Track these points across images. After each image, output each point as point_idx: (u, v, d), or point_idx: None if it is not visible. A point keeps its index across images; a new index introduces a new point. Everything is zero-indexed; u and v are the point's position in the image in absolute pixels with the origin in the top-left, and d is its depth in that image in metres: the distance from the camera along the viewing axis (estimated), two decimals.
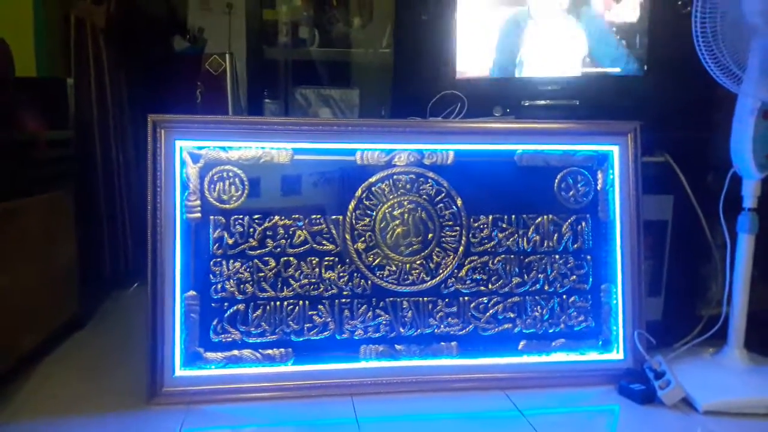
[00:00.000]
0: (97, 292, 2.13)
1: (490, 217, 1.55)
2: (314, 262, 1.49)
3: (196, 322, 1.45)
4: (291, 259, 1.49)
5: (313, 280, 1.49)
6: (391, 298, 1.52)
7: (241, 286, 1.47)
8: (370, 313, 1.51)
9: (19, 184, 1.55)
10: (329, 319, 1.50)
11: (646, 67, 1.72)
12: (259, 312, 1.48)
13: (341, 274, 1.50)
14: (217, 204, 1.46)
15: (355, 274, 1.51)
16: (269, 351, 1.47)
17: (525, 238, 1.57)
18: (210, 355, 1.45)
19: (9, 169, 1.50)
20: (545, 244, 1.58)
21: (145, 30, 2.57)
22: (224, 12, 2.84)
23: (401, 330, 1.52)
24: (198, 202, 1.45)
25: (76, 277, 1.90)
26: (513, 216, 1.56)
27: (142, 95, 2.38)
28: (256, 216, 1.47)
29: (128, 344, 1.76)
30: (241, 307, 1.47)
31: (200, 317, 1.45)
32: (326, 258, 1.50)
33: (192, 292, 1.45)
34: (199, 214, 1.45)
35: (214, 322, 1.46)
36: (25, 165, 1.58)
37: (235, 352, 1.46)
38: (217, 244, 1.46)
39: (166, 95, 2.43)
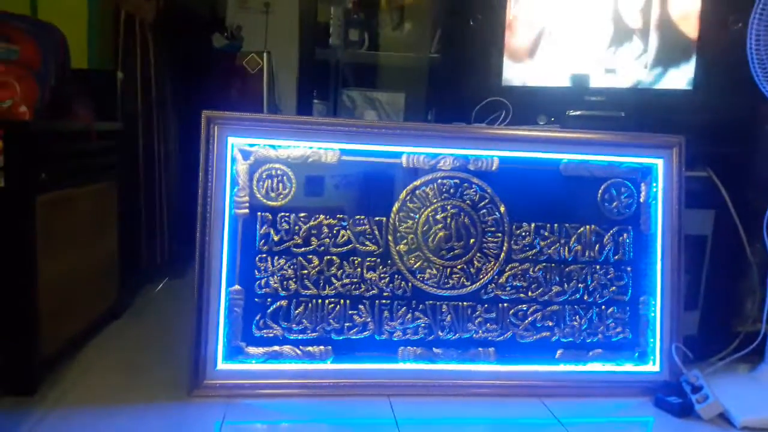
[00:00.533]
0: (133, 284, 2.17)
1: (533, 225, 1.57)
2: (356, 262, 1.51)
3: (240, 317, 1.48)
4: (334, 258, 1.51)
5: (355, 280, 1.51)
6: (431, 302, 1.54)
7: (285, 282, 1.49)
8: (409, 315, 1.53)
9: (73, 173, 1.59)
10: (369, 319, 1.52)
11: (693, 82, 1.72)
12: (300, 309, 1.50)
13: (382, 275, 1.52)
14: (265, 201, 1.49)
15: (396, 276, 1.53)
16: (309, 348, 1.50)
17: (566, 248, 1.58)
18: (252, 349, 1.48)
19: (66, 158, 1.54)
20: (586, 254, 1.59)
21: (188, 26, 2.62)
22: (261, 11, 2.88)
23: (440, 333, 1.54)
24: (246, 199, 1.48)
25: (117, 267, 1.94)
26: (555, 225, 1.57)
27: (183, 90, 2.43)
28: (302, 214, 1.50)
29: (164, 337, 1.80)
30: (283, 303, 1.50)
31: (243, 312, 1.48)
32: (368, 258, 1.52)
33: (237, 287, 1.48)
34: (247, 210, 1.48)
35: (257, 318, 1.49)
36: (79, 154, 1.62)
37: (276, 347, 1.49)
38: (263, 240, 1.48)
39: (204, 91, 2.47)
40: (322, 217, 1.51)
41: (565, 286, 1.58)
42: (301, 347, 1.50)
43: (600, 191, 1.59)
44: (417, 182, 1.53)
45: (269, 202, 1.49)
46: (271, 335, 1.49)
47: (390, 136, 1.53)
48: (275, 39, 2.79)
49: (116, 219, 1.90)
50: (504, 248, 1.56)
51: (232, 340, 1.48)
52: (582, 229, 1.58)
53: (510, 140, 1.57)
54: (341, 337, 1.51)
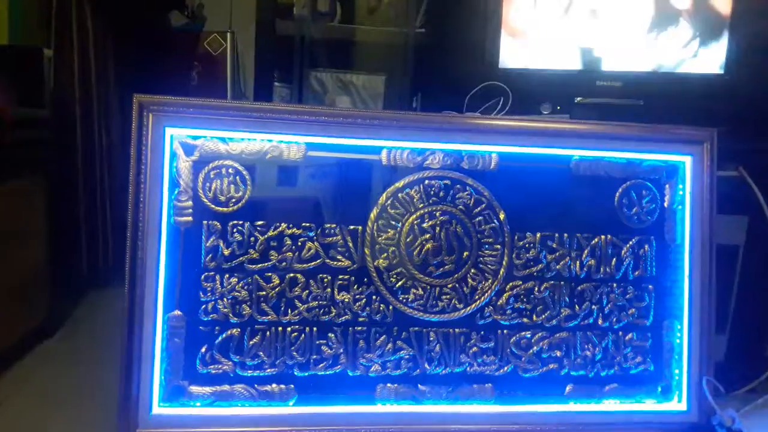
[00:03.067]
0: (71, 293, 1.92)
1: (538, 235, 1.34)
2: (326, 280, 1.28)
3: (181, 349, 1.24)
4: (298, 276, 1.27)
5: (324, 303, 1.28)
6: (416, 328, 1.31)
7: (237, 306, 1.25)
8: (389, 345, 1.30)
9: None
10: (341, 351, 1.28)
11: (725, 66, 1.50)
12: (257, 339, 1.26)
13: (357, 296, 1.29)
14: (213, 206, 1.25)
15: (374, 297, 1.29)
16: (267, 387, 1.26)
17: (578, 262, 1.35)
18: (196, 389, 1.24)
19: None
20: (601, 270, 1.36)
21: (140, 2, 2.35)
22: None
23: (426, 367, 1.31)
24: (190, 203, 1.24)
25: (45, 278, 1.69)
26: (565, 235, 1.35)
27: (132, 73, 2.16)
28: (259, 223, 1.26)
29: (103, 357, 1.56)
30: (235, 332, 1.26)
31: (186, 343, 1.24)
32: (340, 276, 1.28)
33: (177, 312, 1.24)
34: (190, 218, 1.24)
35: (203, 350, 1.25)
36: None
37: (227, 387, 1.25)
38: (210, 255, 1.24)
39: (158, 75, 2.21)
40: (283, 226, 1.27)
41: (576, 308, 1.36)
42: (256, 386, 1.26)
43: (617, 194, 1.37)
44: (399, 183, 1.30)
45: (218, 208, 1.25)
46: (220, 371, 1.25)
47: (367, 128, 1.29)
48: (241, 18, 2.53)
49: (44, 222, 1.64)
50: (504, 263, 1.33)
51: (171, 378, 1.23)
52: (596, 239, 1.36)
53: (511, 133, 1.33)
54: (306, 373, 1.27)
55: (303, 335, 1.28)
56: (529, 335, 1.34)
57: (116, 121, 2.05)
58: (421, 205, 1.31)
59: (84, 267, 1.99)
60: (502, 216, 1.33)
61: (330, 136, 1.27)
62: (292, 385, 1.26)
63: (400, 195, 1.30)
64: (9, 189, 1.44)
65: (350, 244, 1.28)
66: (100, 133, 1.97)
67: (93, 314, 1.89)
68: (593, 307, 1.36)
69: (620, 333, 1.37)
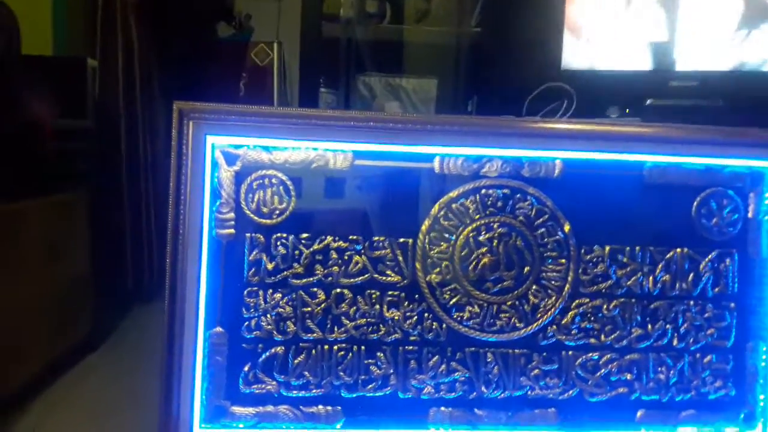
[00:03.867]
0: (115, 307, 1.91)
1: (607, 249, 1.24)
2: (374, 296, 1.21)
3: (223, 368, 1.19)
4: (345, 291, 1.21)
5: (372, 320, 1.22)
6: (472, 348, 1.23)
7: (281, 323, 1.20)
8: (443, 367, 1.22)
9: (17, 182, 1.30)
10: (390, 372, 1.21)
11: None
12: (302, 357, 1.20)
13: (408, 313, 1.22)
14: (256, 218, 1.20)
15: (426, 315, 1.22)
16: (313, 408, 1.20)
17: (651, 278, 1.25)
18: (238, 410, 1.19)
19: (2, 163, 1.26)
20: (677, 287, 1.26)
21: (184, 12, 2.35)
22: None
23: (483, 390, 1.23)
24: (232, 215, 1.19)
25: (89, 291, 1.67)
26: (637, 248, 1.25)
27: (178, 85, 2.15)
28: (304, 235, 1.20)
29: (147, 371, 1.51)
30: (279, 350, 1.20)
31: (228, 361, 1.19)
32: (389, 292, 1.22)
33: (219, 329, 1.19)
34: (232, 230, 1.19)
35: (245, 369, 1.20)
36: (25, 159, 1.34)
37: (270, 407, 1.20)
38: (253, 269, 1.19)
39: (206, 86, 2.19)
40: (329, 239, 1.21)
41: (649, 328, 1.26)
42: (302, 407, 1.20)
43: (695, 204, 1.27)
44: (453, 193, 1.22)
45: (261, 220, 1.20)
46: (264, 391, 1.20)
47: (418, 134, 1.22)
48: (288, 28, 2.51)
49: (88, 235, 1.63)
50: (569, 279, 1.24)
51: (212, 397, 1.19)
52: (671, 253, 1.26)
53: (576, 137, 1.25)
54: (354, 395, 1.21)
55: (350, 354, 1.21)
56: (596, 357, 1.25)
57: (161, 132, 2.04)
58: (477, 216, 1.23)
59: (129, 281, 1.98)
60: (566, 228, 1.24)
61: (378, 143, 1.21)
62: (339, 407, 1.20)
63: (453, 206, 1.23)
64: (52, 201, 1.43)
65: (400, 258, 1.22)
66: (145, 144, 1.96)
67: (138, 329, 1.88)
68: (668, 326, 1.26)
69: (698, 355, 1.27)
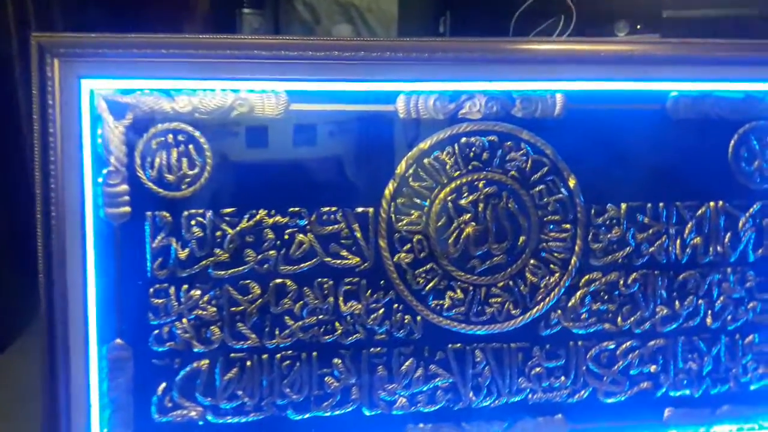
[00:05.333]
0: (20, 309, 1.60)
1: (623, 207, 1.00)
2: (327, 286, 0.95)
3: (128, 391, 0.93)
4: (287, 282, 0.94)
5: (325, 318, 0.96)
6: (456, 345, 0.99)
7: (203, 329, 0.93)
8: (420, 371, 0.98)
9: None
10: (352, 382, 0.97)
11: None
12: (233, 373, 0.95)
13: (372, 305, 0.96)
14: (159, 190, 0.91)
15: (396, 306, 0.97)
16: None
17: (679, 241, 1.02)
18: None
19: None
20: (710, 251, 1.03)
21: None
22: None
23: (472, 398, 0.99)
24: (125, 187, 0.90)
25: None
26: (660, 204, 1.01)
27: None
28: (227, 210, 0.92)
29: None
30: (203, 364, 0.94)
31: (134, 383, 0.92)
32: (346, 279, 0.96)
33: (119, 341, 0.92)
34: (127, 208, 0.91)
35: (159, 391, 0.93)
36: None
37: None
38: (159, 260, 0.91)
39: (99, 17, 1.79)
40: (261, 213, 0.93)
41: (677, 305, 1.03)
42: None
43: (732, 143, 1.02)
44: (425, 144, 0.95)
45: (166, 192, 0.91)
46: (185, 419, 0.94)
47: (375, 65, 0.94)
48: None
49: None
50: (576, 249, 0.99)
51: (117, 429, 0.91)
52: (703, 208, 1.02)
53: (581, 62, 0.98)
54: (305, 416, 0.96)
55: (298, 364, 0.96)
56: (612, 346, 1.02)
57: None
58: (457, 173, 0.96)
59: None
60: (572, 182, 0.98)
61: (321, 80, 0.92)
62: None
63: (426, 161, 0.95)
64: None
65: (358, 234, 0.95)
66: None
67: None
68: (700, 302, 1.03)
69: (737, 336, 1.05)
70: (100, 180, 0.89)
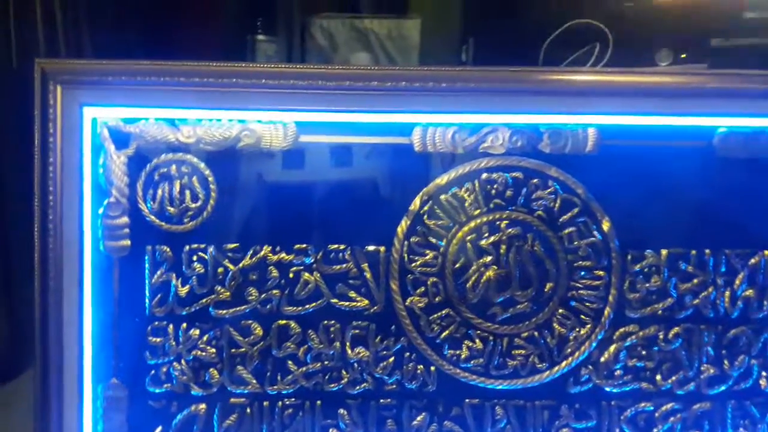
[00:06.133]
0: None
1: (664, 253, 0.91)
2: (333, 330, 0.90)
3: None
4: (291, 324, 0.90)
5: (331, 364, 0.91)
6: (474, 401, 0.92)
7: (202, 372, 0.90)
8: (433, 427, 0.92)
9: None
10: None
11: None
12: (232, 419, 0.91)
13: (382, 353, 0.91)
14: (160, 223, 0.89)
15: (408, 355, 0.91)
16: None
17: (728, 293, 0.93)
18: None
19: None
20: (765, 305, 0.93)
21: None
22: None
23: None
24: (125, 220, 0.88)
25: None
26: (706, 251, 0.92)
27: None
28: (230, 246, 0.89)
29: None
30: (200, 408, 0.90)
31: (129, 424, 0.89)
32: (354, 323, 0.91)
33: (114, 381, 0.89)
34: (127, 242, 0.88)
35: None
36: None
37: None
38: (158, 296, 0.89)
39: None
40: (266, 249, 0.89)
41: (726, 365, 0.93)
42: None
43: None
44: (442, 180, 0.90)
45: (168, 226, 0.89)
46: None
47: (390, 96, 0.89)
48: None
49: None
50: (610, 299, 0.91)
51: None
52: (756, 258, 0.93)
53: (617, 94, 0.91)
54: None
55: (301, 413, 0.91)
56: (650, 408, 0.93)
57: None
58: (477, 211, 0.90)
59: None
60: (605, 225, 0.90)
61: (332, 110, 0.88)
62: None
63: (442, 197, 0.90)
64: None
65: (368, 275, 0.89)
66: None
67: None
68: (752, 362, 0.94)
69: None
70: (100, 211, 0.87)
